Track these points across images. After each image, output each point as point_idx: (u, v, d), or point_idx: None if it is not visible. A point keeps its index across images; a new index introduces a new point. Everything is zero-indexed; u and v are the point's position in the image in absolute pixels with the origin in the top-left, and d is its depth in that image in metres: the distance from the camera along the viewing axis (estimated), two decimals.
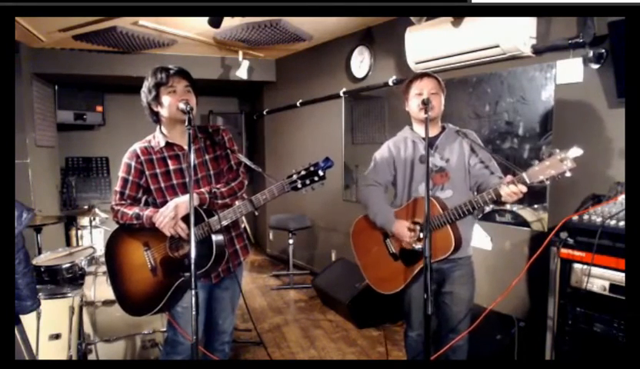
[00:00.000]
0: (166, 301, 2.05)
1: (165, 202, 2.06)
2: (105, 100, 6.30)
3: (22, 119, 4.68)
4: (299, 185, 1.90)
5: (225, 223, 1.99)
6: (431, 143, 2.25)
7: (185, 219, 1.97)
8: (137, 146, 2.14)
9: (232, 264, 2.19)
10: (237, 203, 2.04)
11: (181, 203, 1.98)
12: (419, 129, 2.34)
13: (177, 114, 2.01)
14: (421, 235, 2.20)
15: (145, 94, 2.08)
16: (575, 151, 1.79)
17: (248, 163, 2.14)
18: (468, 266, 2.34)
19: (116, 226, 2.17)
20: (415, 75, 2.33)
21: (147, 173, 2.10)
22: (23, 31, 4.23)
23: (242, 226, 2.29)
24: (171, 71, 2.03)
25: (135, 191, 2.12)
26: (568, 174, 1.79)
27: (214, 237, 1.98)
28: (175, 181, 2.11)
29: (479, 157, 2.29)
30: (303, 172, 1.90)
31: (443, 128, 2.35)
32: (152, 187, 2.11)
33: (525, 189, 1.90)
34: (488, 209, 3.21)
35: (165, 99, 2.03)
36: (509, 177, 1.94)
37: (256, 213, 2.01)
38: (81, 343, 2.86)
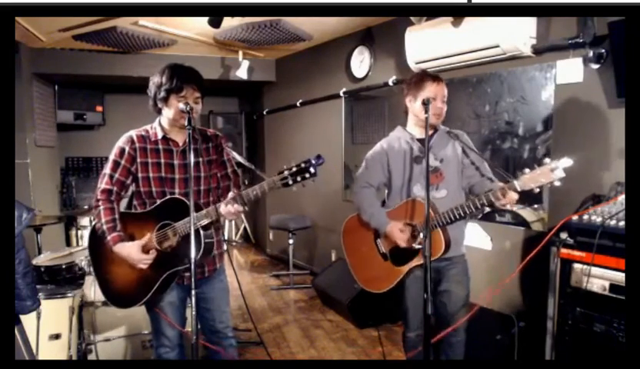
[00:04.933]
0: (151, 295, 2.08)
1: (149, 192, 2.11)
2: (105, 100, 6.31)
3: (22, 119, 4.68)
4: (290, 181, 1.86)
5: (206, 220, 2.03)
6: (424, 143, 2.26)
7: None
8: (133, 133, 2.15)
9: (208, 268, 2.21)
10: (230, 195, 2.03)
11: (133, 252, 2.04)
12: (414, 130, 2.36)
13: (181, 120, 2.04)
14: (416, 235, 2.24)
15: (154, 90, 2.07)
16: (566, 162, 1.85)
17: (244, 162, 2.16)
18: (462, 264, 2.37)
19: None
20: (426, 76, 2.28)
21: (138, 160, 2.11)
22: (23, 31, 4.23)
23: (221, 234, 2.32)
24: (186, 81, 2.02)
25: (124, 176, 2.11)
26: (557, 184, 1.86)
27: (202, 232, 2.02)
28: (164, 174, 2.12)
29: (470, 158, 2.33)
30: (294, 169, 1.87)
31: (435, 129, 2.36)
32: (140, 175, 2.11)
33: (516, 196, 1.96)
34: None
35: (173, 104, 2.04)
36: (501, 184, 1.98)
37: (245, 208, 2.00)
38: (81, 343, 2.86)
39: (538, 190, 1.89)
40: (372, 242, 2.41)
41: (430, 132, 2.32)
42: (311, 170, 1.84)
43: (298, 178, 1.85)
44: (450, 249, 2.22)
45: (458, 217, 2.11)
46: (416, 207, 2.25)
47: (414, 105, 2.30)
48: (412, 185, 2.32)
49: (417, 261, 2.25)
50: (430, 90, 2.23)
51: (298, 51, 5.45)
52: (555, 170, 1.84)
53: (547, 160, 1.88)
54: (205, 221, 2.01)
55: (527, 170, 1.92)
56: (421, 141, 2.31)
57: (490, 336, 2.84)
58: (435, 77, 2.27)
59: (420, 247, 2.21)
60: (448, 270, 2.33)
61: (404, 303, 2.38)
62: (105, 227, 2.06)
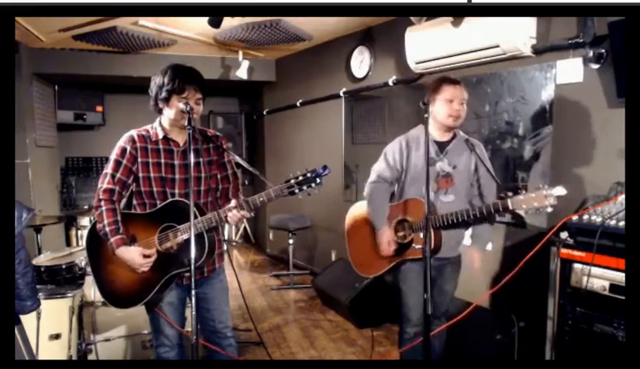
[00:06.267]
0: (152, 296, 2.09)
1: (149, 192, 2.11)
2: (105, 100, 6.32)
3: (22, 119, 4.69)
4: (296, 190, 1.94)
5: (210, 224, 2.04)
6: (442, 148, 2.38)
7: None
8: (134, 132, 2.15)
9: (207, 268, 2.21)
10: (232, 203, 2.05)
11: (135, 256, 2.04)
12: (433, 132, 2.39)
13: (181, 121, 2.04)
14: (407, 233, 2.38)
15: (155, 90, 2.07)
16: (559, 191, 1.95)
17: (247, 166, 2.16)
18: (456, 264, 2.50)
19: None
20: (445, 79, 2.34)
21: (139, 160, 2.11)
22: (23, 31, 4.23)
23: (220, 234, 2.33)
24: (188, 82, 2.03)
25: (126, 176, 2.11)
26: (549, 210, 1.98)
27: (206, 234, 2.04)
28: (164, 174, 2.12)
29: (479, 173, 2.42)
30: (301, 178, 1.93)
31: (454, 135, 2.40)
32: (141, 174, 2.11)
33: (506, 213, 2.08)
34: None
35: (174, 104, 2.04)
36: (495, 201, 2.10)
37: (252, 214, 2.03)
38: (81, 343, 2.86)
39: (529, 212, 2.00)
40: (370, 231, 2.52)
41: (449, 137, 2.41)
42: (317, 180, 1.92)
43: (304, 187, 1.93)
44: (441, 250, 2.32)
45: (451, 222, 2.22)
46: (417, 206, 2.32)
47: (432, 107, 2.33)
48: (423, 185, 2.35)
49: (407, 256, 2.38)
50: (447, 92, 2.29)
51: (298, 51, 5.45)
52: (548, 197, 1.94)
53: (545, 186, 1.99)
54: (208, 226, 2.02)
55: (523, 191, 2.03)
56: (438, 143, 2.38)
57: (490, 336, 2.84)
58: (452, 80, 2.33)
59: (419, 247, 2.26)
60: (445, 267, 2.44)
61: (403, 299, 2.45)
62: (107, 228, 2.05)
